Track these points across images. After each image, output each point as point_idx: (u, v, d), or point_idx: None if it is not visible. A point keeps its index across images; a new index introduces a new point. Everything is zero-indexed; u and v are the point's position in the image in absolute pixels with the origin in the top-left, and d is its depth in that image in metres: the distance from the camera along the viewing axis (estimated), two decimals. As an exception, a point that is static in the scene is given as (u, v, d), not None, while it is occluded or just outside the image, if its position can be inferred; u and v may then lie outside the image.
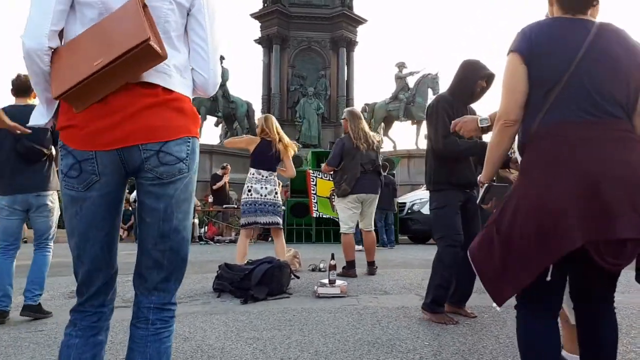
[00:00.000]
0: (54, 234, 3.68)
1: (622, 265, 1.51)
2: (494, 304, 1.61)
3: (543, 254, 1.50)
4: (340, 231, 5.54)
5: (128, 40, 1.27)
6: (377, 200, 5.56)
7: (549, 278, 1.52)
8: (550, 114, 1.58)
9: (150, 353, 1.42)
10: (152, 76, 1.38)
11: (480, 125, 2.37)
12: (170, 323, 1.47)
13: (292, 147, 5.36)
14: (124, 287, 4.72)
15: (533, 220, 1.52)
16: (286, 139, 5.37)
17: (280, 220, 5.35)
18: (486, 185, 1.91)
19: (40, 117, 1.48)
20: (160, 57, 1.32)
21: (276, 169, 5.33)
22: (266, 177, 5.24)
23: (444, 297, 3.33)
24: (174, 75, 1.43)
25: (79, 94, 1.30)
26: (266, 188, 5.22)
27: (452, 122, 2.53)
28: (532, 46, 1.60)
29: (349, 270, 5.35)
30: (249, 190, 5.24)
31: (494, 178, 1.90)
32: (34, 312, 3.46)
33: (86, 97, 1.32)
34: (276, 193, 5.31)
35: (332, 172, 5.70)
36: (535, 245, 1.50)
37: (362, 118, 5.64)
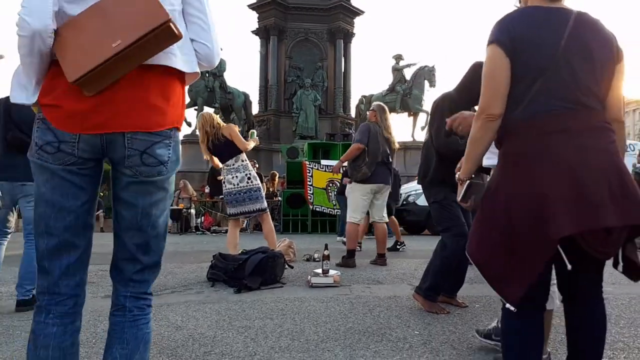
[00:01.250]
0: None
1: (611, 253, 1.53)
2: (507, 304, 1.59)
3: (542, 245, 1.48)
4: (347, 220, 5.50)
5: (148, 21, 1.25)
6: (388, 192, 5.58)
7: (569, 267, 1.52)
8: (531, 106, 1.56)
9: (127, 338, 1.43)
10: (159, 58, 1.35)
11: None
12: (147, 311, 1.49)
13: (227, 126, 5.29)
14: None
15: (527, 212, 1.50)
16: (221, 123, 5.30)
17: (259, 206, 5.28)
18: (467, 182, 1.84)
19: (26, 96, 1.39)
20: (176, 37, 1.30)
21: (239, 152, 5.23)
22: (233, 164, 5.21)
23: (442, 286, 3.34)
24: (177, 54, 1.41)
25: (96, 77, 1.28)
26: (236, 177, 5.20)
27: (449, 118, 2.46)
28: (513, 38, 1.57)
29: (348, 259, 5.33)
30: (224, 183, 5.30)
31: (473, 175, 1.83)
32: (29, 305, 3.46)
33: (101, 80, 1.29)
34: (249, 178, 5.23)
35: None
36: (534, 237, 1.49)
37: (389, 114, 5.69)
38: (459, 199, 1.88)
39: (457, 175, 1.88)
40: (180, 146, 1.51)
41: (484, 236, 1.63)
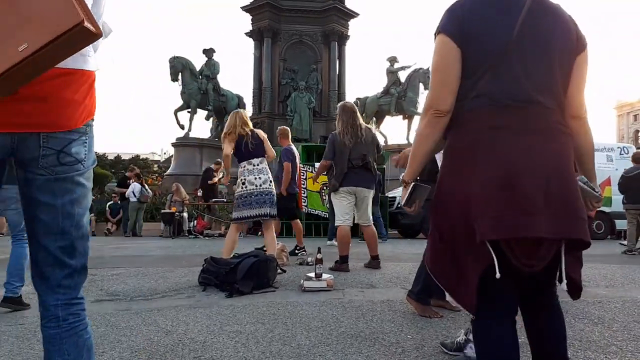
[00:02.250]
0: None
1: (534, 266, 1.38)
2: (452, 312, 1.49)
3: (474, 250, 1.37)
4: (336, 224, 5.47)
5: (60, 20, 1.10)
6: (371, 195, 5.51)
7: (498, 275, 1.35)
8: (477, 99, 1.44)
9: (68, 349, 1.34)
10: (74, 61, 1.27)
11: None
12: (82, 316, 1.40)
13: (258, 130, 5.37)
14: (109, 281, 4.69)
15: (461, 213, 1.40)
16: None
17: (273, 212, 5.25)
18: (412, 184, 1.63)
19: None
20: (95, 36, 1.16)
21: (264, 154, 5.25)
22: (257, 165, 5.18)
23: (433, 288, 3.31)
24: (92, 54, 1.33)
25: (6, 81, 1.15)
26: (260, 178, 5.15)
27: (393, 158, 2.45)
28: (462, 27, 1.44)
29: (341, 264, 5.29)
30: (243, 183, 5.14)
31: (418, 177, 1.65)
32: (15, 304, 3.43)
33: (9, 84, 1.17)
34: (270, 182, 5.25)
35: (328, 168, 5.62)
36: (468, 242, 1.38)
37: (355, 111, 5.53)
38: (402, 202, 1.68)
39: (401, 177, 1.69)
40: (94, 140, 1.41)
41: (434, 242, 1.53)
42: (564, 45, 1.47)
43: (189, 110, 18.26)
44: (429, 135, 1.52)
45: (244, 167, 5.20)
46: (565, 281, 1.44)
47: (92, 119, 1.39)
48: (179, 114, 18.56)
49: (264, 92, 19.92)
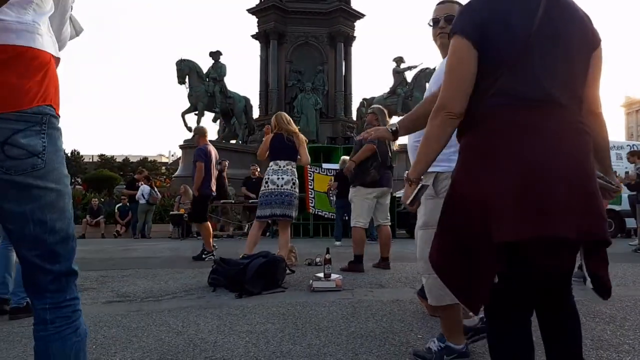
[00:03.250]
0: None
1: (559, 266, 1.36)
2: (470, 313, 1.48)
3: (490, 250, 1.35)
4: (352, 225, 5.44)
5: None
6: (389, 194, 5.61)
7: (496, 280, 1.34)
8: (495, 98, 1.41)
9: (53, 353, 1.28)
10: None
11: (390, 130, 2.28)
12: (72, 318, 1.32)
13: (303, 137, 5.46)
14: (119, 282, 4.72)
15: (478, 213, 1.37)
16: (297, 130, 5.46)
17: (293, 214, 5.30)
18: (420, 184, 1.60)
19: None
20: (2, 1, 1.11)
21: (295, 158, 5.33)
22: (283, 167, 5.25)
23: None
24: (9, 18, 1.18)
25: None
26: (282, 178, 5.22)
27: (365, 132, 2.44)
28: (480, 27, 1.41)
29: (357, 264, 5.25)
30: (266, 182, 5.27)
31: (422, 177, 1.60)
32: (21, 313, 3.44)
33: None
34: (294, 184, 5.29)
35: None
36: (484, 241, 1.36)
37: (386, 115, 5.69)
38: (407, 201, 1.64)
39: (405, 175, 1.65)
40: (59, 136, 1.27)
41: (442, 240, 1.50)
42: (581, 42, 1.45)
43: (196, 112, 18.34)
44: (440, 137, 1.50)
45: (271, 166, 5.32)
46: (589, 279, 1.42)
47: (51, 108, 1.24)
48: (186, 116, 18.66)
49: (271, 93, 19.98)
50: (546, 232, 1.31)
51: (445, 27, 2.29)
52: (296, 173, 5.41)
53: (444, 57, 2.33)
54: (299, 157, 5.40)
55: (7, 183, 1.19)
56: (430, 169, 2.06)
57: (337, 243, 8.50)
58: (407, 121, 2.25)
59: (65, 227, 1.30)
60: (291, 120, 5.51)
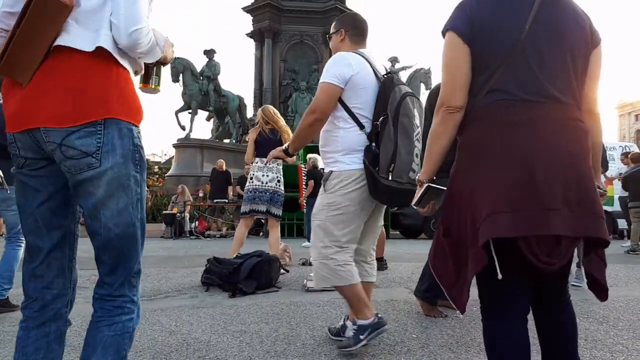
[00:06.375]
0: None
1: (554, 264, 1.35)
2: (457, 311, 1.45)
3: (475, 246, 1.34)
4: None
5: None
6: None
7: (499, 276, 1.34)
8: (491, 95, 1.42)
9: (87, 341, 1.37)
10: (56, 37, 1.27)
11: (284, 149, 2.64)
12: (113, 313, 1.38)
13: (288, 132, 5.35)
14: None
15: (472, 210, 1.37)
16: (284, 124, 5.40)
17: (275, 211, 5.27)
18: (426, 185, 1.58)
19: None
20: (65, 7, 1.21)
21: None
22: (270, 163, 5.20)
23: (439, 287, 3.30)
24: (73, 30, 1.26)
25: (11, 64, 1.23)
26: (267, 176, 5.20)
27: (270, 155, 2.76)
28: (472, 23, 1.42)
29: (382, 263, 5.22)
30: (251, 178, 5.25)
31: (434, 177, 1.58)
32: (1, 306, 3.41)
33: (18, 67, 1.24)
34: (278, 181, 5.26)
35: None
36: (471, 238, 1.36)
37: None
38: (414, 202, 1.63)
39: (416, 177, 1.65)
40: (132, 139, 1.37)
41: (438, 239, 1.50)
42: (578, 40, 1.44)
43: (190, 111, 18.25)
44: (443, 132, 1.49)
45: (256, 162, 5.29)
46: (585, 281, 1.42)
47: (112, 117, 1.30)
48: (179, 115, 18.57)
49: (265, 92, 19.91)
50: (542, 229, 1.30)
51: None
52: (282, 171, 5.37)
53: None
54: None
55: (74, 185, 1.32)
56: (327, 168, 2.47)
57: (307, 243, 8.48)
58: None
59: (124, 225, 1.36)
60: (277, 112, 5.44)
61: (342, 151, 2.44)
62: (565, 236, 1.33)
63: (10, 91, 1.29)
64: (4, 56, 1.22)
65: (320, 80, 2.45)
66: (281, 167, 5.37)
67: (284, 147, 2.65)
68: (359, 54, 2.52)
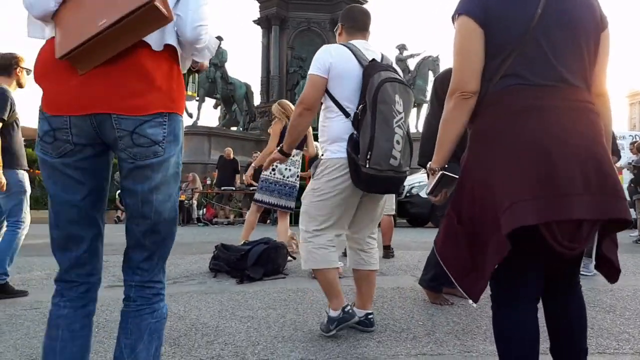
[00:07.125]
0: (23, 213, 3.60)
1: (576, 248, 1.35)
2: (470, 301, 1.46)
3: (497, 235, 1.33)
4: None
5: (132, 0, 1.22)
6: None
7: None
8: (504, 80, 1.41)
9: (131, 329, 1.40)
10: None
11: (279, 150, 2.78)
12: (153, 300, 1.43)
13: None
14: (121, 267, 4.73)
15: (490, 198, 1.36)
16: None
17: (291, 205, 5.28)
18: (440, 174, 1.55)
19: (41, 33, 1.38)
20: (165, 19, 1.26)
21: (302, 147, 5.27)
22: (292, 157, 5.17)
23: (444, 275, 3.31)
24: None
25: (83, 55, 1.25)
26: (290, 170, 5.20)
27: (268, 161, 2.96)
28: (485, 7, 1.41)
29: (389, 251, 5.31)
30: (273, 169, 5.19)
31: (446, 165, 1.56)
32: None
33: (91, 57, 1.27)
34: (297, 176, 5.30)
35: None
36: (490, 227, 1.35)
37: None
38: (427, 191, 1.62)
39: (428, 165, 1.61)
40: (182, 131, 1.46)
41: (450, 227, 1.49)
42: (589, 23, 1.44)
43: (197, 98, 18.26)
44: (456, 118, 1.47)
45: (294, 155, 5.24)
46: (593, 263, 1.43)
47: (174, 112, 1.38)
48: (187, 103, 18.57)
49: (272, 80, 19.83)
50: (565, 214, 1.30)
51: None
52: (299, 164, 5.39)
53: None
54: (305, 147, 5.36)
55: (132, 170, 1.36)
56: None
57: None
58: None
59: (167, 210, 1.42)
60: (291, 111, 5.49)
61: (329, 140, 2.54)
62: (587, 220, 1.32)
63: (64, 75, 1.29)
64: (80, 48, 1.23)
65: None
66: (301, 160, 5.40)
67: (278, 148, 2.74)
68: (345, 45, 2.59)
